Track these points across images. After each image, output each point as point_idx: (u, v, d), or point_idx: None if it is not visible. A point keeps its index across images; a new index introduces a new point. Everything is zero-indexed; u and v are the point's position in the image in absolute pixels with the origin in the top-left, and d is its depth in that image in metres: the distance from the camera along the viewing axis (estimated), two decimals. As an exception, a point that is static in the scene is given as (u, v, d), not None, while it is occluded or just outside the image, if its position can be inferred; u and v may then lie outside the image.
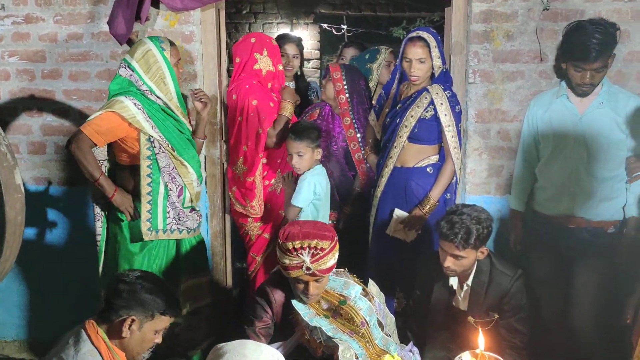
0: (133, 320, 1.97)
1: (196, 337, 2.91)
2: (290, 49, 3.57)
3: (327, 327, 2.20)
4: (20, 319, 3.43)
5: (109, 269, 2.81)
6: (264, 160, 3.12)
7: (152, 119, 2.66)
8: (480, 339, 1.89)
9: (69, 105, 3.20)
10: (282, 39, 3.64)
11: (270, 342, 2.30)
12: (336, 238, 2.23)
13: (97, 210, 2.81)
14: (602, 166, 2.74)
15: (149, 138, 2.66)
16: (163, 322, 2.05)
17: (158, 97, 2.70)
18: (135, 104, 2.63)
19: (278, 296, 2.33)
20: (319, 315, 2.24)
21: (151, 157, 2.68)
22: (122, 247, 2.76)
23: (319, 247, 2.14)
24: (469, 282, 2.60)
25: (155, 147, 2.68)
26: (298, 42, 3.66)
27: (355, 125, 3.33)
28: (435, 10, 6.03)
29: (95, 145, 2.63)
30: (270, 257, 3.16)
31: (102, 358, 1.92)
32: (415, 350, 2.45)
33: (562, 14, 2.90)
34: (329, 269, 2.20)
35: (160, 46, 2.70)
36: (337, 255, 2.23)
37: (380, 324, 2.33)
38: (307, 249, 2.13)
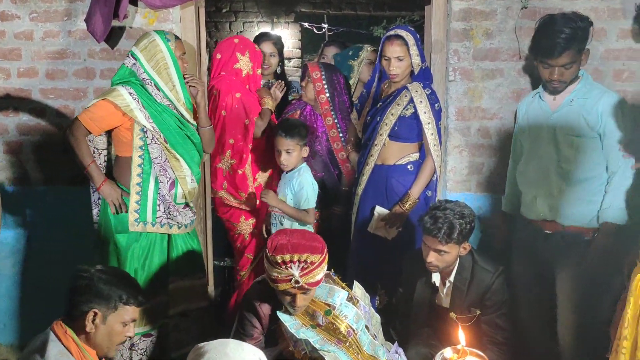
0: (96, 314, 1.94)
1: (185, 339, 2.85)
2: (267, 47, 3.56)
3: (315, 338, 2.15)
4: (-3, 322, 3.38)
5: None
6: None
7: (147, 109, 2.64)
8: (460, 334, 1.90)
9: (45, 104, 3.15)
10: (260, 37, 3.64)
11: None
12: (326, 250, 2.16)
13: (95, 198, 2.80)
14: (575, 167, 2.60)
15: (142, 128, 2.65)
16: (128, 312, 2.01)
17: (158, 87, 2.67)
18: (130, 93, 2.61)
19: (265, 309, 2.27)
20: (306, 326, 2.19)
21: (143, 148, 2.66)
22: (110, 241, 2.72)
23: (309, 261, 2.07)
24: (451, 278, 2.62)
25: (147, 137, 2.66)
26: (276, 41, 3.66)
27: (338, 125, 3.34)
28: (415, 9, 6.06)
29: (90, 132, 2.63)
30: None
31: (74, 358, 1.90)
32: (401, 350, 2.45)
33: (541, 12, 2.91)
34: (318, 282, 2.14)
35: (165, 37, 2.71)
36: (325, 268, 2.17)
37: (366, 327, 2.29)
38: (297, 263, 2.06)
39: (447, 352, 1.88)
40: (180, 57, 2.74)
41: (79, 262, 2.80)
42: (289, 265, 2.05)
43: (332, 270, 2.37)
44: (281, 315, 2.19)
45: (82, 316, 1.95)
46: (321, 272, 2.12)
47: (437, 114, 2.90)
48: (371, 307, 2.48)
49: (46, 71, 3.12)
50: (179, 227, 2.77)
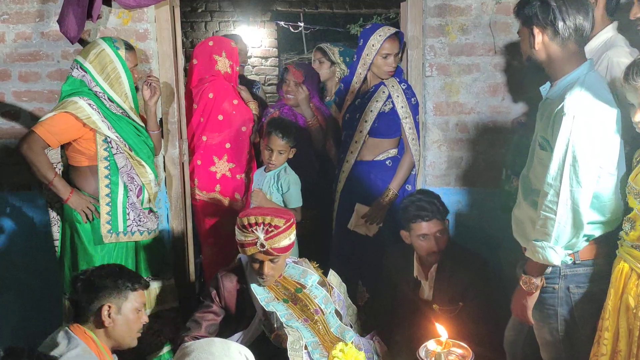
0: (110, 307, 1.97)
1: (158, 341, 2.84)
2: (243, 47, 3.66)
3: (283, 312, 2.24)
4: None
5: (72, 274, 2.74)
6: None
7: (107, 120, 2.62)
8: (440, 328, 1.91)
9: (19, 107, 3.10)
10: (234, 38, 3.68)
11: (231, 333, 2.31)
12: (292, 220, 2.29)
13: (53, 214, 2.75)
14: (534, 177, 2.05)
15: (106, 139, 2.62)
16: (138, 297, 2.06)
17: (111, 99, 2.65)
18: (90, 104, 2.58)
19: (227, 282, 2.37)
20: (278, 300, 2.27)
21: (108, 158, 2.64)
22: (80, 250, 2.68)
23: (273, 224, 2.19)
24: (434, 271, 2.64)
25: (112, 147, 2.64)
26: (243, 44, 3.81)
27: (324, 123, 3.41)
28: (391, 6, 6.08)
29: (48, 146, 2.56)
30: None
31: (95, 356, 1.91)
32: (377, 339, 2.49)
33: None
34: (284, 249, 2.24)
35: (114, 45, 2.66)
36: (292, 238, 2.28)
37: (338, 314, 2.36)
38: (262, 225, 2.18)
39: (431, 344, 1.90)
40: (131, 69, 2.69)
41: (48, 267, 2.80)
42: (254, 228, 2.18)
43: (307, 260, 2.48)
44: (254, 287, 2.28)
45: (96, 314, 1.96)
46: (286, 239, 2.23)
47: (414, 109, 2.94)
48: (347, 298, 2.54)
49: (19, 73, 3.06)
50: (149, 233, 2.79)
